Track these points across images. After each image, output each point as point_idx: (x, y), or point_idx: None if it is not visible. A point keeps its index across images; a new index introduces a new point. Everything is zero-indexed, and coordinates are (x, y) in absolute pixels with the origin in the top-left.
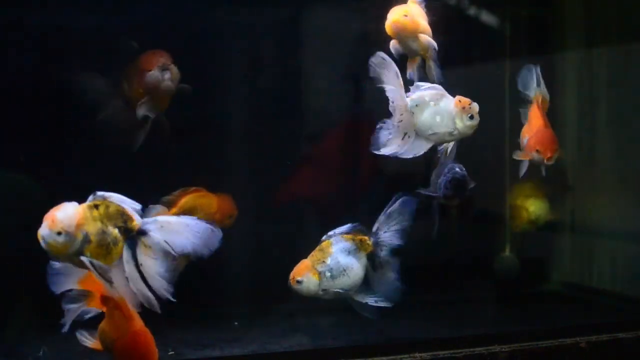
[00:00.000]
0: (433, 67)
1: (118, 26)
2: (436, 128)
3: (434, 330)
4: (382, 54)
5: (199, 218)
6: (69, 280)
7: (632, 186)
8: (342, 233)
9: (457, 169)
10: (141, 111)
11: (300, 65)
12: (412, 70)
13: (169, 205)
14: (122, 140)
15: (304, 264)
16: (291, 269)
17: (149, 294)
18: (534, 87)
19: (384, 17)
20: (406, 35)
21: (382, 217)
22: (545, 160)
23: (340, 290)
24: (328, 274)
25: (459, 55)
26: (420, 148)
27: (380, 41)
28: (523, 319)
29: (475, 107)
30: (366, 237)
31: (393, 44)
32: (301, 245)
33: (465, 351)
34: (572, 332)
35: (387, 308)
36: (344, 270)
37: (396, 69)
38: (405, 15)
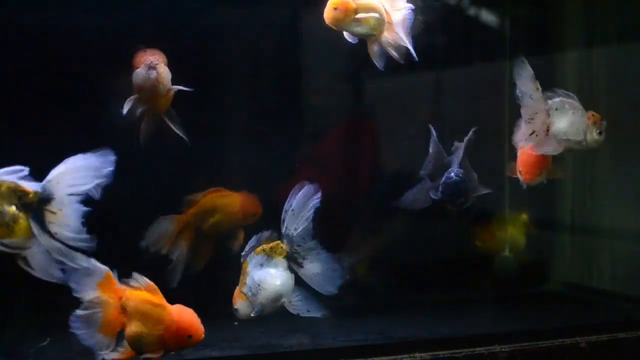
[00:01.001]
0: (393, 42)
1: (126, 25)
2: (570, 135)
3: (434, 330)
4: (522, 58)
5: (222, 218)
6: (89, 284)
7: (632, 186)
8: (253, 248)
9: (453, 174)
10: (124, 108)
11: (300, 65)
12: (376, 52)
13: (190, 205)
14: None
15: (235, 292)
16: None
17: (76, 254)
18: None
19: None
20: (343, 25)
21: (285, 215)
22: (526, 183)
23: (270, 304)
24: (250, 294)
25: (459, 56)
26: (549, 148)
27: None
28: (523, 319)
29: (605, 124)
30: (277, 242)
31: (346, 34)
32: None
33: (465, 351)
34: (572, 332)
35: (386, 308)
36: (259, 284)
37: (532, 72)
38: (335, 9)
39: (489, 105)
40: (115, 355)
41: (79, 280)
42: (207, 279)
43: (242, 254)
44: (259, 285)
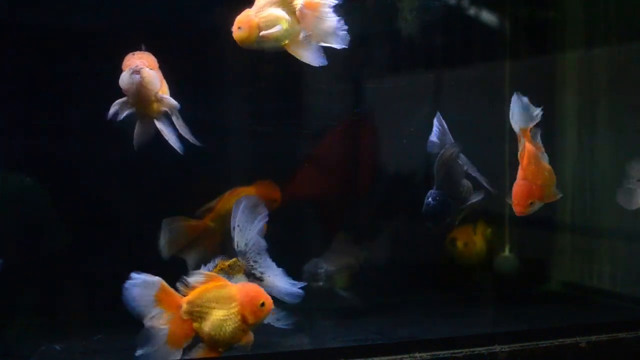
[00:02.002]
0: (303, 49)
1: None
2: None
3: (434, 330)
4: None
5: None
6: (147, 294)
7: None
8: (210, 269)
9: (430, 199)
10: (110, 110)
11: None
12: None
13: (206, 214)
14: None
15: None
16: (291, 268)
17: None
18: (524, 119)
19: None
20: (250, 43)
21: (234, 232)
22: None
23: None
24: None
25: (459, 56)
26: None
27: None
28: (523, 319)
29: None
30: (234, 259)
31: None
32: (301, 245)
33: (465, 351)
34: (572, 332)
35: (389, 306)
36: None
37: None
38: (239, 28)
39: (489, 105)
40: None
41: (135, 297)
42: None
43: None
44: None
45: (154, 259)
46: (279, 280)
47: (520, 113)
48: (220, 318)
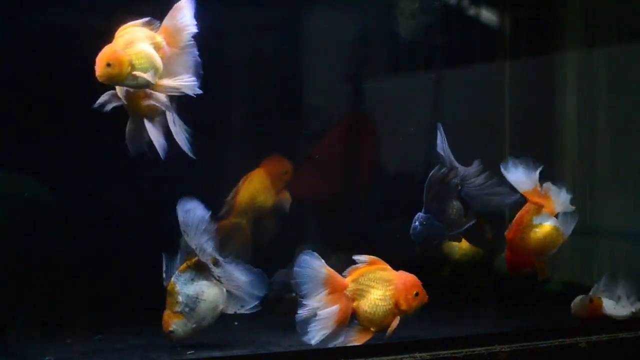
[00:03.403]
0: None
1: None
2: None
3: (434, 330)
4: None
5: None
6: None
7: (632, 186)
8: (176, 269)
9: (417, 223)
10: (98, 100)
11: (301, 65)
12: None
13: (226, 215)
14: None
15: (165, 316)
16: (291, 268)
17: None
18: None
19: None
20: (119, 81)
21: (184, 238)
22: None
23: (211, 314)
24: (187, 309)
25: (459, 56)
26: None
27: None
28: (523, 319)
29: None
30: (197, 257)
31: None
32: (301, 245)
33: (465, 351)
34: (572, 332)
35: None
36: (197, 298)
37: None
38: (109, 65)
39: (489, 105)
40: (355, 337)
41: (306, 284)
42: None
43: (164, 277)
44: (197, 298)
45: (154, 259)
46: (240, 281)
47: (519, 180)
48: (377, 297)
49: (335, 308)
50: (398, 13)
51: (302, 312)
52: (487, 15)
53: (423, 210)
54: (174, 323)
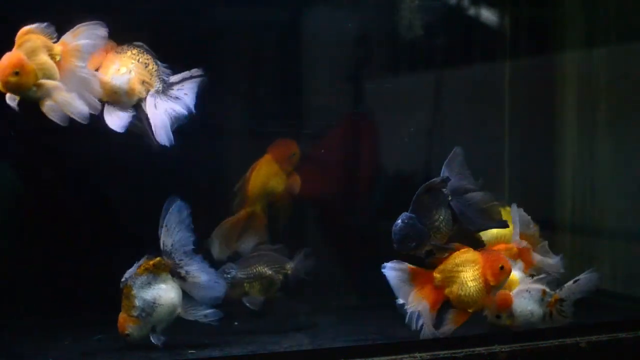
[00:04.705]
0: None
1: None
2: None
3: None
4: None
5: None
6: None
7: (632, 186)
8: (134, 271)
9: (399, 220)
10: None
11: (301, 65)
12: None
13: (239, 207)
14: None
15: (121, 318)
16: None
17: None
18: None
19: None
20: (24, 90)
21: (160, 231)
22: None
23: (167, 318)
24: (144, 314)
25: (459, 56)
26: None
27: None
28: None
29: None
30: (158, 259)
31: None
32: (301, 245)
33: (465, 351)
34: (572, 332)
35: (389, 306)
36: (154, 302)
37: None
38: (17, 73)
39: (489, 105)
40: (452, 320)
41: (398, 289)
42: None
43: (122, 280)
44: (154, 303)
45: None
46: (201, 282)
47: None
48: (467, 279)
49: (424, 303)
50: (398, 13)
51: (407, 311)
52: (487, 15)
53: (409, 210)
54: (130, 327)
